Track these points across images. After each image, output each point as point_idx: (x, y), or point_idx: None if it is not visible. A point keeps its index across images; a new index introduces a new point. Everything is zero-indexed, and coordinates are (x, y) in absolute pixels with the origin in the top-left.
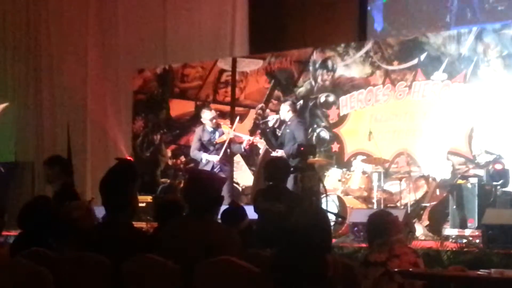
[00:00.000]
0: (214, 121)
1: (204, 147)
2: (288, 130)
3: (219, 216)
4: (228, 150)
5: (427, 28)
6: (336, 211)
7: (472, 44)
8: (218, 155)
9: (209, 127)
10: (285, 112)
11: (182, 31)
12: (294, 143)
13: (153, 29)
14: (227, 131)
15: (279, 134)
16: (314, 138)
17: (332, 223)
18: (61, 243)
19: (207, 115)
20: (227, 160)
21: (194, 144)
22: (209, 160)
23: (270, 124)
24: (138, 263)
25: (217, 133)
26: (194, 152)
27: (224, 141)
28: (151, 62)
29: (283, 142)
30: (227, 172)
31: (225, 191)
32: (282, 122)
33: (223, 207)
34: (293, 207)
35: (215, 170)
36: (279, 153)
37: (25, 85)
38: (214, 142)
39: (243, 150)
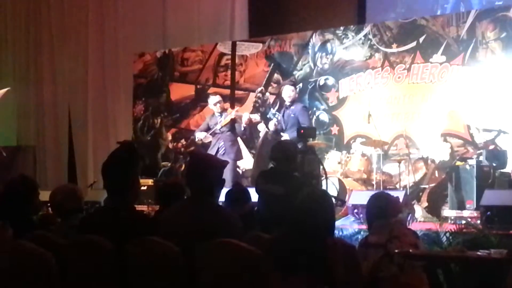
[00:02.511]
0: (218, 105)
1: (209, 131)
2: (292, 115)
3: (222, 199)
4: (233, 130)
5: (424, 11)
6: (335, 193)
7: (471, 26)
8: (223, 139)
9: (216, 112)
10: (289, 91)
11: (182, 14)
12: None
13: (153, 12)
14: (230, 111)
15: (279, 117)
16: (313, 121)
17: None
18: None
19: (211, 100)
20: (233, 143)
21: (201, 126)
22: (203, 139)
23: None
24: (140, 246)
25: (223, 117)
26: (197, 133)
27: (228, 123)
28: (151, 46)
29: (286, 126)
30: (233, 155)
31: (228, 173)
32: (282, 104)
33: (226, 189)
34: (293, 190)
35: (220, 153)
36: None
37: (26, 70)
38: (220, 126)
39: (242, 128)
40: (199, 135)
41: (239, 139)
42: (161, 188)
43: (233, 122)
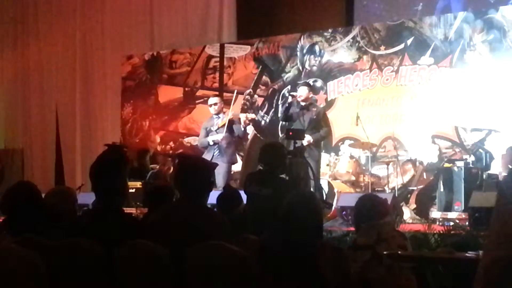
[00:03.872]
0: (215, 107)
1: (208, 135)
2: (315, 117)
3: (214, 201)
4: (231, 132)
5: (411, 14)
6: (324, 196)
7: (459, 28)
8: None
9: (213, 113)
10: (306, 92)
11: (170, 17)
12: (318, 131)
13: (141, 15)
14: (227, 112)
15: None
16: None
17: None
18: (45, 229)
19: (210, 101)
20: (228, 145)
21: (200, 134)
22: (214, 140)
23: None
24: (129, 249)
25: (220, 119)
26: (201, 141)
27: (225, 123)
28: (140, 49)
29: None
30: (227, 157)
31: (221, 177)
32: (291, 103)
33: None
34: (281, 192)
35: (215, 154)
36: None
37: (13, 72)
38: (216, 127)
39: (242, 129)
40: (211, 138)
41: None
42: (149, 191)
43: (231, 123)
